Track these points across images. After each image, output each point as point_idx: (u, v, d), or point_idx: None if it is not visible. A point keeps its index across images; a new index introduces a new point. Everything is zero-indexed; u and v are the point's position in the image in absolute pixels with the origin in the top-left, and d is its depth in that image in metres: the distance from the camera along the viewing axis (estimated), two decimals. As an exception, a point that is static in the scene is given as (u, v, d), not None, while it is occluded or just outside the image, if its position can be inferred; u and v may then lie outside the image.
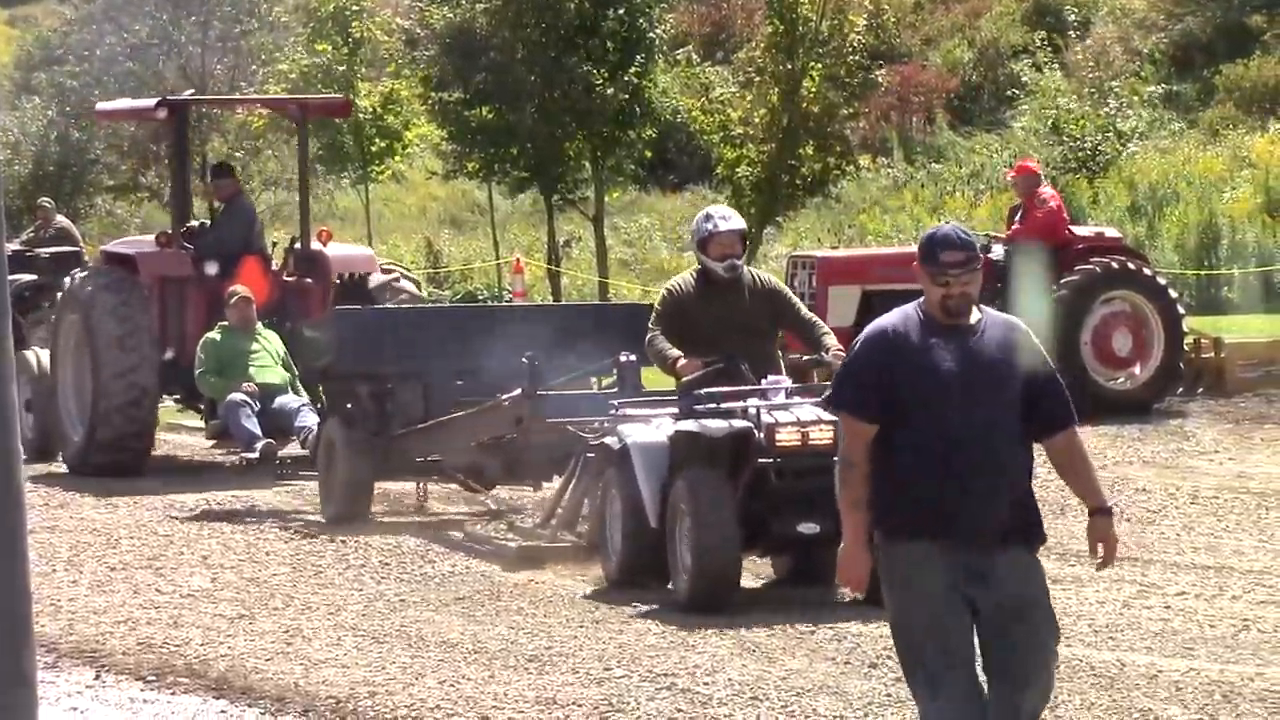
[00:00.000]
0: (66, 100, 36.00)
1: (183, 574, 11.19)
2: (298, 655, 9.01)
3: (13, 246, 19.64)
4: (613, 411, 10.93)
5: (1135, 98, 33.22)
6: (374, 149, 31.37)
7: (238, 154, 34.58)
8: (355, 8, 32.16)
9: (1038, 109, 33.93)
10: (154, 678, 8.69)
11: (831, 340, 10.50)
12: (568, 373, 12.23)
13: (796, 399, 10.20)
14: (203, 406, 15.29)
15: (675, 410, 10.49)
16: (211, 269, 15.41)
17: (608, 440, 10.80)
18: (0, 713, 4.09)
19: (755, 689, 8.13)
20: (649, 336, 10.48)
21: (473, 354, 12.85)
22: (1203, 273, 26.89)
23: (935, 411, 5.38)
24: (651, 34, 30.47)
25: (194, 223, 16.23)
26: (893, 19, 32.90)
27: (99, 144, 35.69)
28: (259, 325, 14.61)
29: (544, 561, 11.20)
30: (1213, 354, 17.51)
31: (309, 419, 13.83)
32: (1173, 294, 17.06)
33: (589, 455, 11.20)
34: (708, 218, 10.63)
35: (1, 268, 4.08)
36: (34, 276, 19.24)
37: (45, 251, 20.66)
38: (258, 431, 13.67)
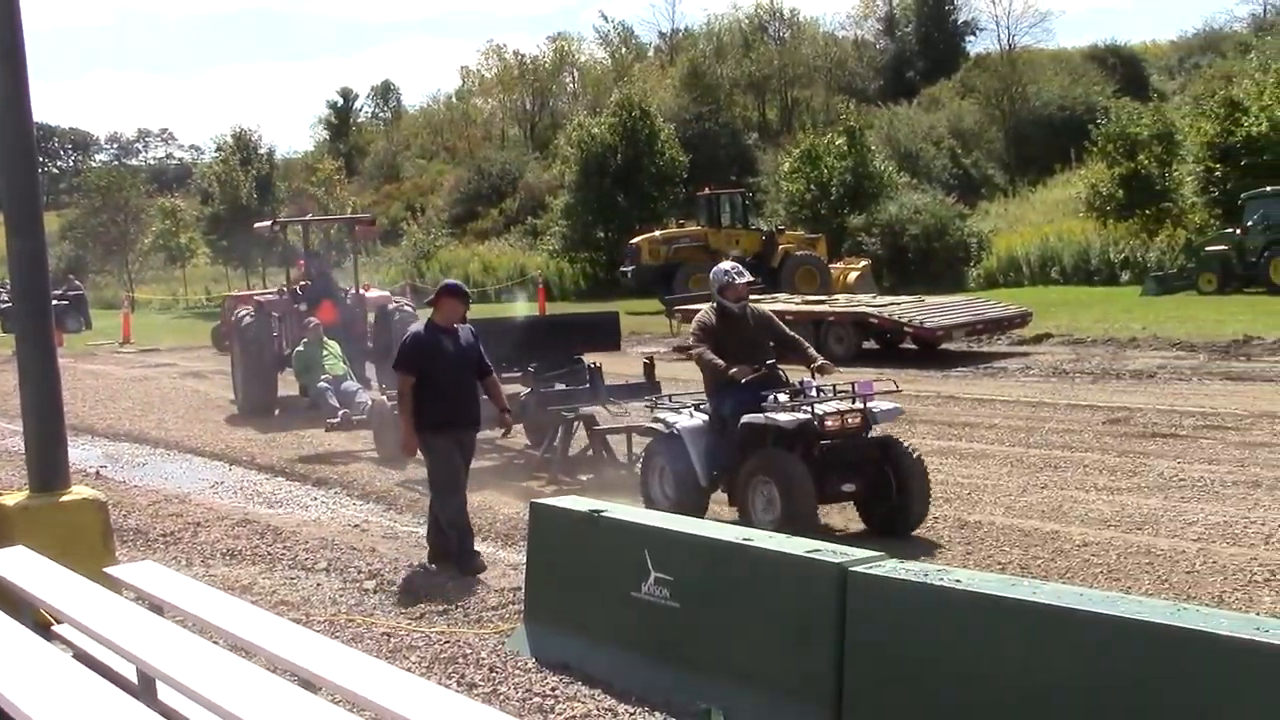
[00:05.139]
0: None
1: None
2: None
3: None
4: (650, 406, 13.41)
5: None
6: None
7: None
8: None
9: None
10: None
11: (813, 351, 12.19)
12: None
13: (827, 395, 11.81)
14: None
15: (695, 405, 12.36)
16: (303, 308, 22.78)
17: (656, 426, 12.67)
18: None
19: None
20: (698, 351, 11.94)
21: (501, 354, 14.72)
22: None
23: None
24: None
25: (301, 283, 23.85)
26: None
27: None
28: (325, 339, 20.66)
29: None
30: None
31: (364, 397, 19.46)
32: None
33: (574, 421, 15.34)
34: (726, 273, 12.20)
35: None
36: None
37: None
38: (337, 405, 19.21)
